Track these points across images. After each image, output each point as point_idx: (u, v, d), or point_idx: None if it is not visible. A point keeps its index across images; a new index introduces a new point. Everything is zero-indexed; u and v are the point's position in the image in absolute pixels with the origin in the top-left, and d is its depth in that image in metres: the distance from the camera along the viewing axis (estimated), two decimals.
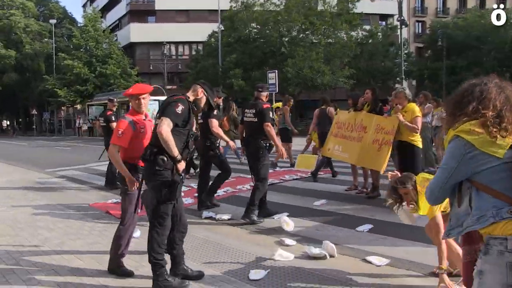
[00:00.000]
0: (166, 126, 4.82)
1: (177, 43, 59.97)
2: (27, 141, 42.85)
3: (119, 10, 65.99)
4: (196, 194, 9.50)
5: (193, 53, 56.35)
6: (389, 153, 8.85)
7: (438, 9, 65.55)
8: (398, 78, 47.57)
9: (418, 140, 8.70)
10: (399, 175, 5.05)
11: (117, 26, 66.58)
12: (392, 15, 58.57)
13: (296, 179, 12.97)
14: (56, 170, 16.81)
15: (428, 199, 2.90)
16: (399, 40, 44.88)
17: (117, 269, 5.50)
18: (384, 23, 60.32)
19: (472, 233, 2.91)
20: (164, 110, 5.00)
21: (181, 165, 4.95)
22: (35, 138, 48.76)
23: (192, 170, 13.20)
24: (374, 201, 9.61)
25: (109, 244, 5.67)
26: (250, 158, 8.49)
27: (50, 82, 51.41)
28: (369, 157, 9.38)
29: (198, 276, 5.28)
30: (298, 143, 16.38)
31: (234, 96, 37.01)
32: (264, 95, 8.53)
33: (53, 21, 58.05)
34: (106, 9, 67.62)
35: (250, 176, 9.05)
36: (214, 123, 8.88)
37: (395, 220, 7.69)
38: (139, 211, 5.56)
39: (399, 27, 39.21)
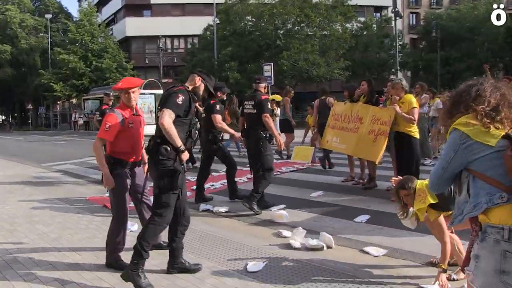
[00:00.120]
0: (168, 117, 4.84)
1: (172, 37, 59.78)
2: (23, 135, 42.84)
3: (115, 4, 65.64)
4: (194, 187, 9.51)
5: (189, 46, 56.22)
6: (385, 144, 8.86)
7: (432, 1, 65.44)
8: (393, 70, 47.64)
9: (415, 131, 8.70)
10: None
11: (112, 20, 66.37)
12: (386, 7, 58.48)
13: (293, 171, 12.98)
14: (53, 164, 16.81)
15: (430, 187, 3.09)
16: (394, 31, 44.83)
17: (114, 263, 5.49)
18: (378, 15, 60.48)
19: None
20: (165, 101, 5.00)
21: (185, 155, 4.98)
22: (31, 133, 48.74)
23: (189, 164, 13.19)
24: (371, 192, 9.66)
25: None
26: (251, 150, 8.52)
27: (46, 76, 51.33)
28: (365, 148, 9.40)
29: (196, 269, 5.27)
30: (297, 135, 16.37)
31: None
32: (262, 86, 8.56)
33: (48, 16, 58.00)
34: (101, 3, 67.25)
35: (246, 169, 9.09)
36: (218, 118, 8.88)
37: (392, 211, 7.72)
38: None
39: (393, 18, 39.16)
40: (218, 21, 46.18)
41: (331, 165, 13.19)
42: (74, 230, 7.28)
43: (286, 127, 15.83)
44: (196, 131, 5.29)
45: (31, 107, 58.80)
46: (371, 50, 50.63)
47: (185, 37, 59.76)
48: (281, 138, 9.57)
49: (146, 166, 5.92)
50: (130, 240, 5.54)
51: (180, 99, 4.94)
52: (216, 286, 4.88)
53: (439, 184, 2.99)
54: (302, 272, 5.21)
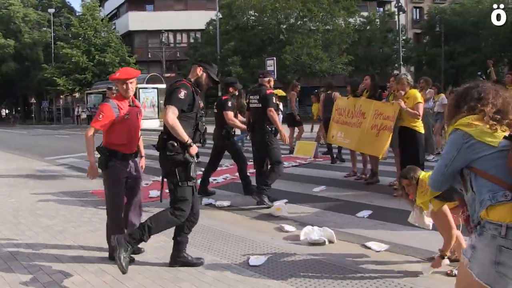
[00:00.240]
0: (171, 114, 4.87)
1: (175, 31, 59.72)
2: (27, 129, 42.88)
3: None
4: (199, 180, 9.54)
5: (191, 41, 56.04)
6: (389, 139, 8.82)
7: None
8: (396, 64, 47.53)
9: (420, 126, 8.68)
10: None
11: (115, 14, 66.23)
12: (389, 1, 58.50)
13: (295, 165, 13.01)
14: (56, 158, 16.87)
15: (432, 186, 3.23)
16: (397, 26, 44.80)
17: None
18: (381, 9, 60.18)
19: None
20: (168, 98, 5.03)
21: (193, 149, 4.99)
22: (34, 127, 48.76)
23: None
24: (373, 187, 9.68)
25: None
26: (257, 145, 8.56)
27: (49, 71, 51.29)
28: (368, 143, 9.40)
29: (198, 263, 5.30)
30: (306, 129, 16.41)
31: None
32: (266, 80, 8.60)
33: (51, 10, 57.86)
34: None
35: (250, 163, 9.12)
36: (230, 115, 8.92)
37: (394, 206, 7.79)
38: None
39: (396, 13, 39.20)
40: (220, 16, 46.05)
41: (334, 161, 13.22)
42: (78, 223, 7.32)
43: (291, 121, 15.86)
44: (204, 125, 5.30)
45: (35, 101, 58.78)
46: (374, 45, 50.47)
47: (188, 31, 59.68)
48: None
49: (143, 159, 5.96)
50: None
51: (182, 93, 4.96)
52: (218, 279, 4.90)
53: (442, 181, 3.12)
54: (304, 266, 5.23)
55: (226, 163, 12.39)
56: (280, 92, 16.40)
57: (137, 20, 59.81)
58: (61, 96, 57.89)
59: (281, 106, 16.11)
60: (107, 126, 5.30)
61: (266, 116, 8.23)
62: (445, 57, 49.44)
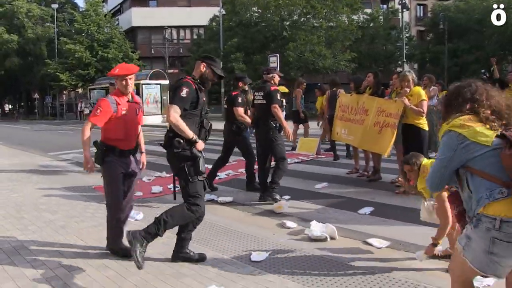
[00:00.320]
0: (174, 112, 4.90)
1: (178, 27, 59.60)
2: (30, 125, 42.96)
3: None
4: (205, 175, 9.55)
5: (195, 37, 55.99)
6: (394, 136, 8.78)
7: None
8: (399, 62, 47.46)
9: (424, 123, 8.68)
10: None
11: (118, 10, 66.20)
12: None
13: (298, 162, 13.02)
14: (59, 153, 16.90)
15: (430, 187, 3.34)
16: (401, 23, 44.78)
17: (119, 250, 5.52)
18: (385, 6, 60.02)
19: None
20: (171, 96, 5.07)
21: (199, 145, 5.03)
22: (37, 122, 48.90)
23: None
24: (375, 184, 9.69)
25: None
26: (261, 141, 8.58)
27: (52, 66, 51.42)
28: (371, 140, 9.41)
29: (200, 259, 5.31)
30: (312, 126, 16.44)
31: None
32: (269, 77, 8.62)
33: (55, 6, 57.90)
34: None
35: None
36: (240, 111, 8.94)
37: (396, 203, 7.81)
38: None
39: (400, 10, 39.12)
40: (224, 12, 45.97)
41: (336, 157, 13.23)
42: (81, 218, 7.33)
43: (297, 118, 15.86)
44: (209, 122, 5.32)
45: (38, 97, 58.96)
46: (377, 42, 50.34)
47: (191, 27, 59.52)
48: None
49: (144, 155, 5.96)
50: (134, 229, 5.58)
51: (184, 92, 4.97)
52: (220, 275, 4.92)
53: (440, 182, 3.26)
54: (305, 262, 5.25)
55: (232, 159, 12.39)
56: (283, 89, 16.41)
57: (140, 16, 59.71)
58: (64, 92, 58.04)
59: (284, 102, 16.08)
60: (104, 121, 5.31)
61: (271, 113, 8.24)
62: (449, 55, 49.28)
